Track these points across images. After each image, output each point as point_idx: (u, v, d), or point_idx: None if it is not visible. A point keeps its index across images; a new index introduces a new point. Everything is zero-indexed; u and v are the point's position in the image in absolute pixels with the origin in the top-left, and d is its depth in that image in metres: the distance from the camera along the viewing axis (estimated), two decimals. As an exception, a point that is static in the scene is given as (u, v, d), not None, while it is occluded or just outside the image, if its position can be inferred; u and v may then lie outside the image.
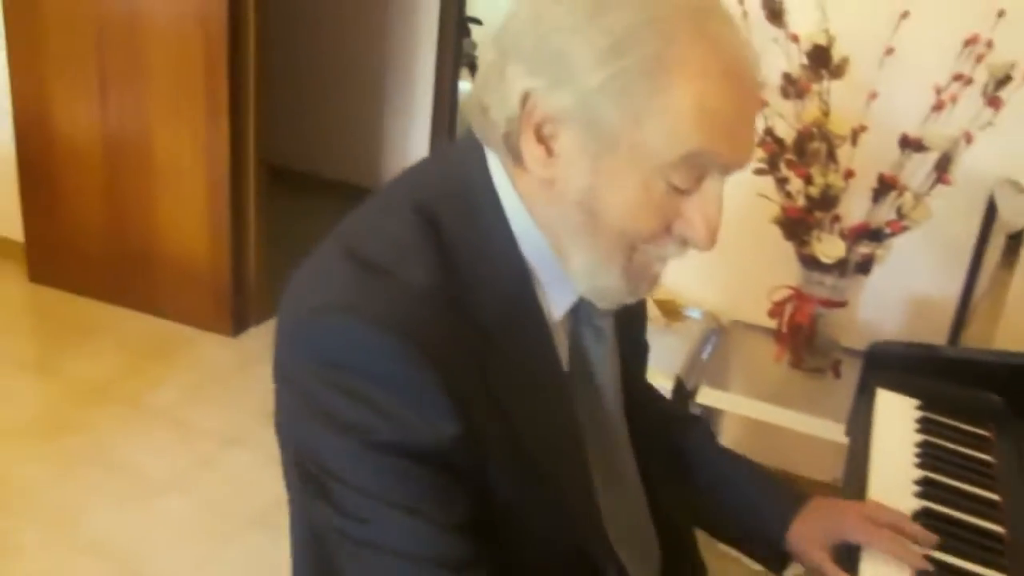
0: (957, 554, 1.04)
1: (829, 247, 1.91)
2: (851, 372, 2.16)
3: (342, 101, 4.27)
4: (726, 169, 0.78)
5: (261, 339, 3.09)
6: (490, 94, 0.80)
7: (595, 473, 0.93)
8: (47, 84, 2.97)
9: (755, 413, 2.03)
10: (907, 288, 2.27)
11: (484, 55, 0.83)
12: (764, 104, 1.83)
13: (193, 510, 2.25)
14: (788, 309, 2.09)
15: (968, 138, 1.82)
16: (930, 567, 1.00)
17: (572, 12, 0.75)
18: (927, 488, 1.17)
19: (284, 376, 0.83)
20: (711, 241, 0.79)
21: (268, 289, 3.19)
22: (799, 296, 2.06)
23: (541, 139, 0.78)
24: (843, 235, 1.99)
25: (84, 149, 3.00)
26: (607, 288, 0.83)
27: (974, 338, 2.12)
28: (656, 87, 0.74)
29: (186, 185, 2.92)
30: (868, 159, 1.97)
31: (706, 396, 2.07)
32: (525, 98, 0.77)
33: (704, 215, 0.78)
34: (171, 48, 2.77)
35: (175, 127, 2.87)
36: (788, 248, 2.07)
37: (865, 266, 2.00)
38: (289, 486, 0.94)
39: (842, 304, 2.05)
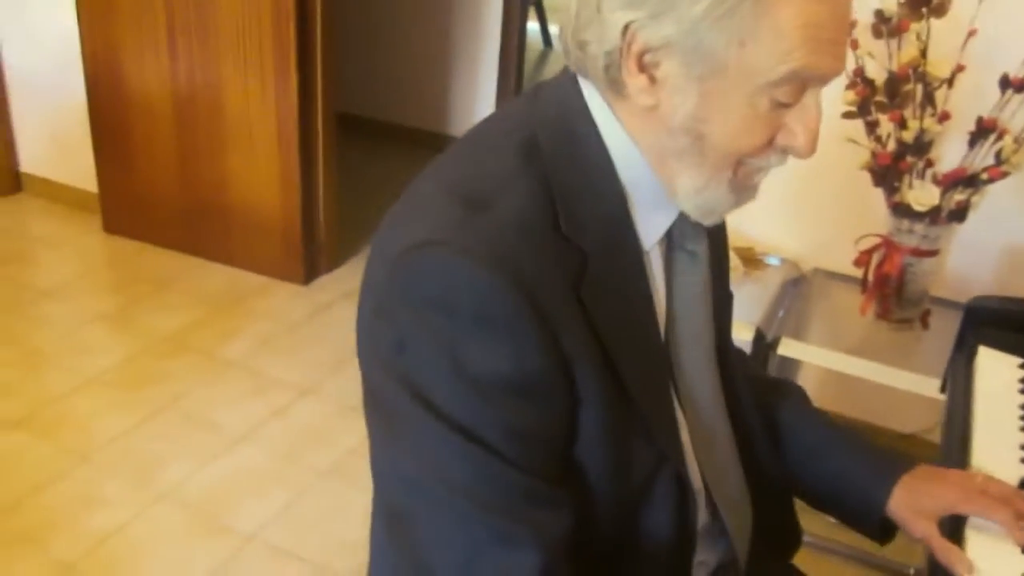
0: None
1: (923, 195, 1.81)
2: (940, 323, 2.07)
3: (408, 47, 4.22)
4: (824, 80, 0.80)
5: (332, 287, 3.10)
6: (587, 30, 0.81)
7: (685, 406, 0.93)
8: (117, 37, 2.98)
9: (841, 366, 1.95)
10: (1002, 237, 2.15)
11: None
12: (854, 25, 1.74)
13: (269, 460, 2.28)
14: (876, 258, 2.00)
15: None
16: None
17: None
18: (1035, 452, 1.11)
19: (380, 310, 0.82)
20: (813, 149, 0.82)
21: (338, 237, 3.20)
22: (888, 245, 1.97)
23: (643, 68, 0.80)
24: (936, 181, 1.89)
25: (155, 102, 3.01)
26: (714, 202, 0.85)
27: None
28: (759, 10, 0.75)
29: (256, 135, 2.92)
30: (964, 101, 1.86)
31: (787, 348, 2.00)
32: (625, 30, 0.78)
33: (805, 125, 0.81)
34: (238, -1, 2.75)
35: (244, 78, 2.86)
36: (876, 195, 1.97)
37: (959, 214, 1.89)
38: (369, 423, 0.91)
39: (933, 253, 1.96)
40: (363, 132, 4.14)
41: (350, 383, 2.60)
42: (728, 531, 0.99)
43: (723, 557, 1.02)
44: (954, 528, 0.98)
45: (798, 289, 2.30)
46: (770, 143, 0.82)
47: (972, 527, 0.97)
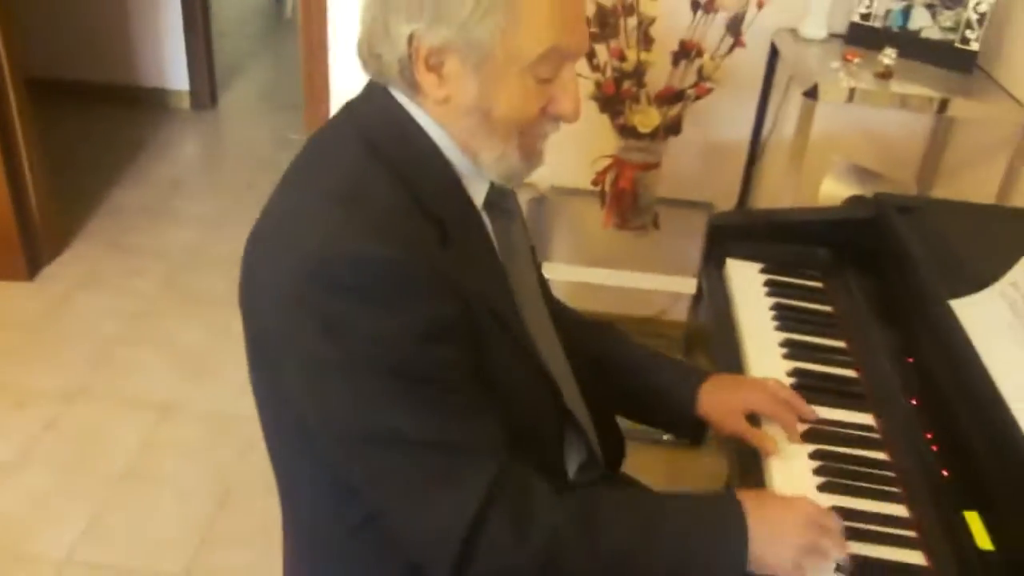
0: (829, 404, 1.24)
1: (646, 117, 2.04)
2: (666, 221, 2.36)
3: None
4: (574, 57, 0.99)
5: (63, 275, 2.91)
6: (379, 44, 0.97)
7: (539, 344, 1.10)
8: None
9: (602, 279, 2.19)
10: (706, 135, 2.46)
11: (363, 15, 0.99)
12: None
13: (55, 477, 2.17)
14: (609, 176, 2.23)
15: (760, 3, 1.97)
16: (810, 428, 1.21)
17: None
18: (791, 348, 1.37)
19: (302, 300, 0.92)
20: (577, 113, 1.00)
21: (56, 219, 2.97)
22: (619, 163, 2.20)
23: (431, 68, 0.95)
24: (649, 100, 2.13)
25: None
26: (511, 168, 1.02)
27: (769, 171, 2.36)
28: (510, 5, 0.92)
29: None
30: (661, 24, 2.09)
31: (549, 270, 2.20)
32: (411, 39, 0.94)
33: (567, 94, 0.99)
34: None
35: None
36: (602, 120, 2.18)
37: (675, 128, 2.15)
38: (274, 407, 1.06)
39: (657, 165, 2.22)
40: (46, 95, 3.79)
41: (116, 376, 2.50)
42: (583, 429, 1.16)
43: (585, 455, 1.19)
44: (753, 422, 1.21)
45: (541, 207, 2.50)
46: (543, 113, 0.99)
47: (767, 423, 1.21)
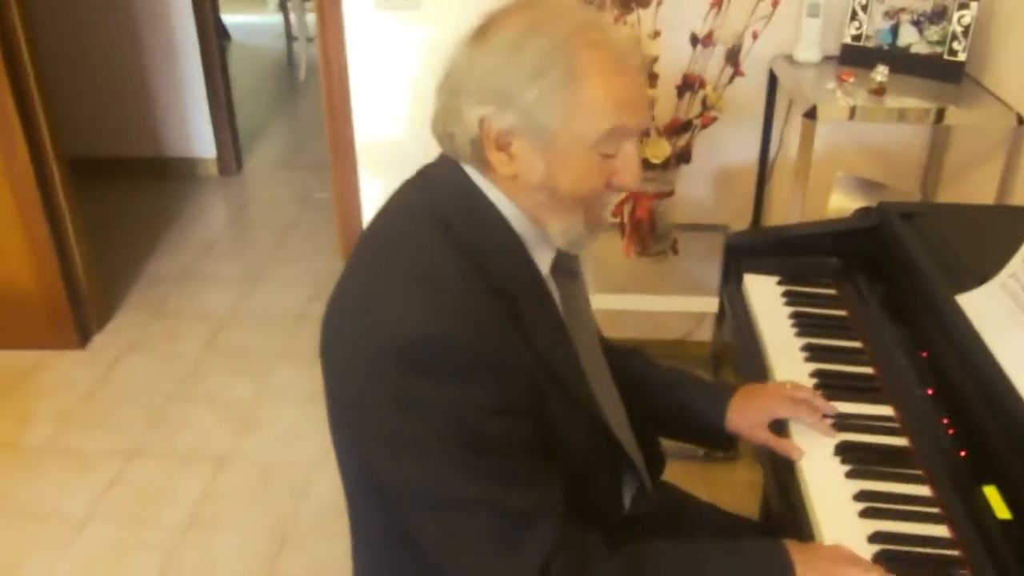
0: (850, 400, 1.34)
1: (657, 149, 2.16)
2: (684, 245, 2.47)
3: (108, 77, 4.06)
4: (634, 132, 1.06)
5: (112, 343, 3.04)
6: (452, 125, 1.05)
7: (594, 387, 1.18)
8: None
9: (625, 305, 2.30)
10: (715, 161, 2.58)
11: (438, 96, 1.08)
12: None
13: (124, 531, 2.28)
14: (627, 208, 2.34)
15: (755, 35, 2.09)
16: (834, 422, 1.30)
17: (497, 52, 1.01)
18: (812, 352, 1.47)
19: (373, 379, 1.01)
20: (637, 183, 1.09)
21: (102, 290, 3.11)
22: (635, 194, 2.31)
23: (500, 147, 1.03)
24: (659, 133, 2.25)
25: None
26: (577, 237, 1.10)
27: (779, 190, 2.47)
28: (574, 90, 1.00)
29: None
30: (664, 62, 2.22)
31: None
32: (481, 122, 1.02)
33: (628, 168, 1.06)
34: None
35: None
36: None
37: (685, 157, 2.27)
38: (353, 458, 1.14)
39: (671, 194, 2.33)
40: (84, 172, 3.97)
41: (171, 433, 2.62)
42: (635, 465, 1.26)
43: (635, 485, 1.29)
44: (780, 428, 1.31)
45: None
46: (607, 186, 1.07)
47: (794, 425, 1.30)
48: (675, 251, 2.44)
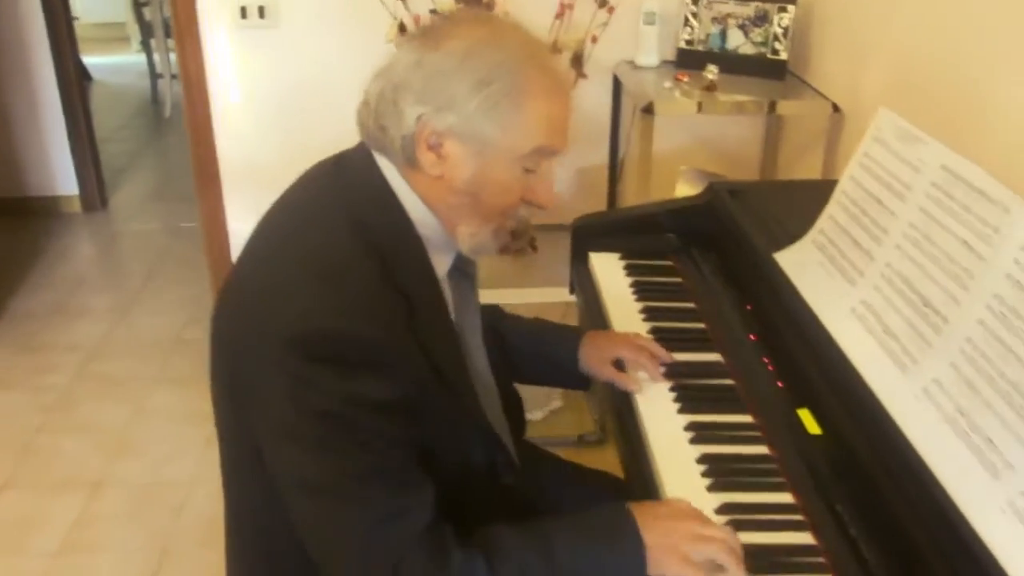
0: (685, 351, 1.47)
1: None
2: (543, 242, 2.59)
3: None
4: (556, 153, 1.13)
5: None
6: (387, 119, 1.09)
7: (480, 394, 1.25)
8: None
9: (489, 299, 2.38)
10: (568, 164, 2.73)
11: (372, 89, 1.11)
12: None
13: (-9, 562, 2.23)
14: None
15: (594, 39, 2.24)
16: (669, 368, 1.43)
17: (447, 57, 1.06)
18: (649, 313, 1.60)
19: (269, 364, 1.03)
20: (552, 203, 1.16)
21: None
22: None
23: (432, 147, 1.08)
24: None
25: None
26: (482, 244, 1.15)
27: (629, 186, 2.62)
28: (517, 105, 1.06)
29: None
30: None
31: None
32: (419, 119, 1.06)
33: (545, 187, 1.14)
34: None
35: None
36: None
37: (538, 157, 2.39)
38: (235, 435, 1.16)
39: (528, 192, 2.45)
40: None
41: (42, 464, 2.57)
42: (507, 448, 1.32)
43: (503, 461, 1.33)
44: (621, 367, 1.42)
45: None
46: (522, 199, 1.13)
47: (630, 365, 1.42)
48: (534, 248, 2.56)
